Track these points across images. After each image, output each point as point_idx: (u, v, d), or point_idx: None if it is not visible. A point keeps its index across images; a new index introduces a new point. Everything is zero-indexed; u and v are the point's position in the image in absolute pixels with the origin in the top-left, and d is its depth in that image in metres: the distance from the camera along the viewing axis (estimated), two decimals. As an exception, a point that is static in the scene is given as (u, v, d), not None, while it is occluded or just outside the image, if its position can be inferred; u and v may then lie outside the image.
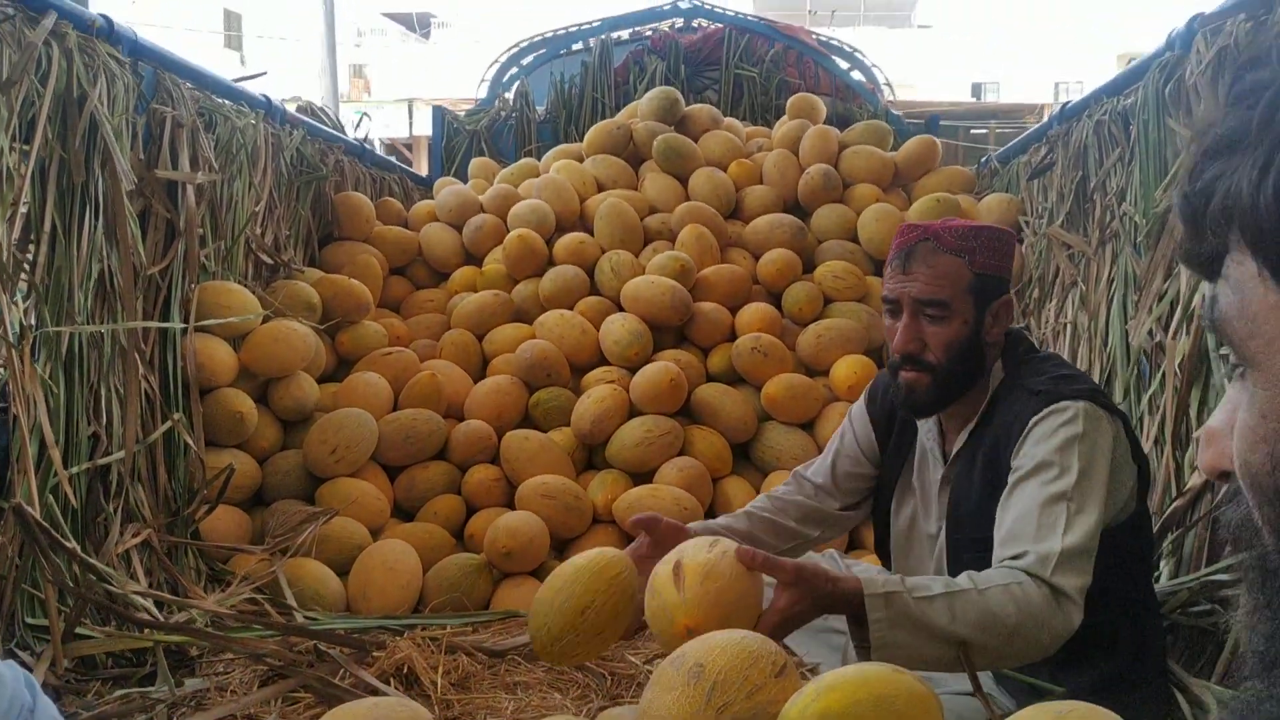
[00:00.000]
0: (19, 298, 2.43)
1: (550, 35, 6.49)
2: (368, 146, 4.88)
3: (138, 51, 2.93)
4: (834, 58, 6.23)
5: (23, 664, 2.12)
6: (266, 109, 3.74)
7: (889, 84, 6.62)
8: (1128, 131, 3.13)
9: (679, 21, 6.34)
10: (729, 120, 5.04)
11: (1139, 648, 1.79)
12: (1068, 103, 3.93)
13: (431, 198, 4.77)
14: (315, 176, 4.06)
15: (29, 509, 2.20)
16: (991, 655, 1.52)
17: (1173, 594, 2.23)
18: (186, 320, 3.00)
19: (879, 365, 3.50)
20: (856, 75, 6.27)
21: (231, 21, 26.02)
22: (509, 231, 4.16)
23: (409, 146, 19.28)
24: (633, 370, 3.58)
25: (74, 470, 2.48)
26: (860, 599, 1.45)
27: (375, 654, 2.33)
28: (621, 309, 3.82)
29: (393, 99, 22.46)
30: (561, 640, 1.47)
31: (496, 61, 6.47)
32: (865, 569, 2.25)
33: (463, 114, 6.08)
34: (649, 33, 6.26)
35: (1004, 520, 1.66)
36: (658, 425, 3.37)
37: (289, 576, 2.77)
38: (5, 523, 2.25)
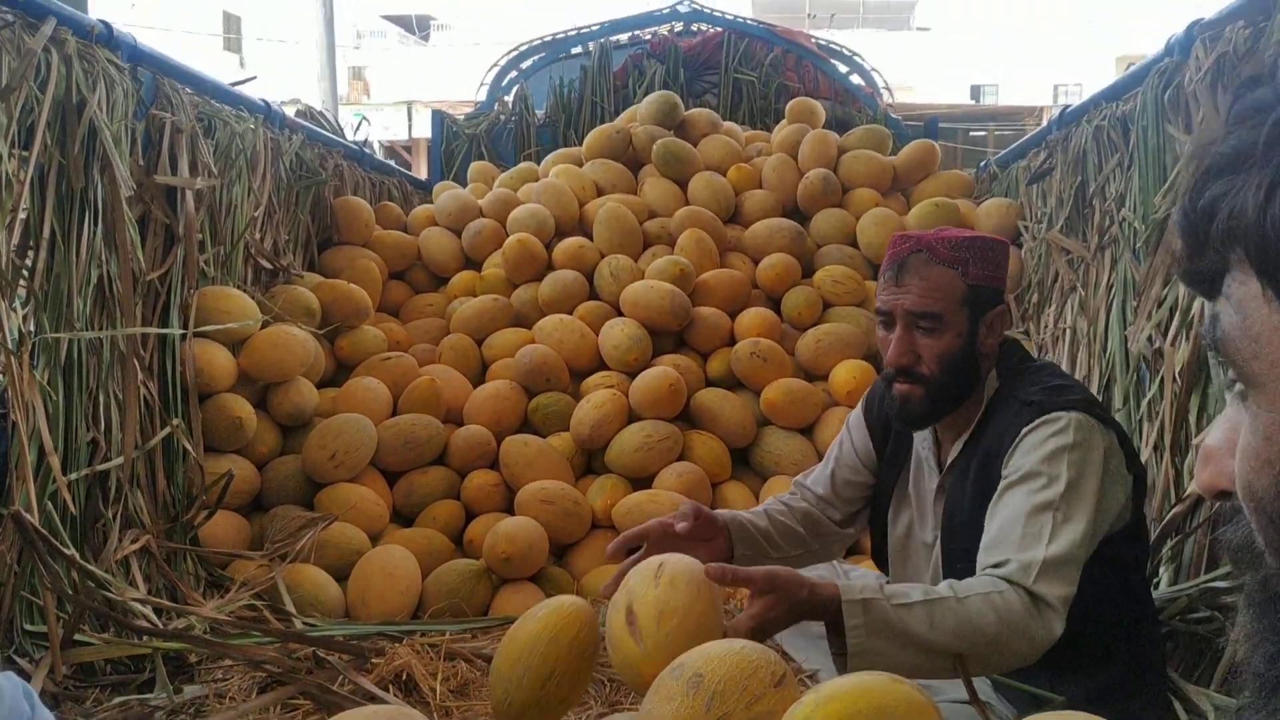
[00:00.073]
0: (18, 304, 2.43)
1: (549, 39, 6.49)
2: (367, 150, 4.88)
3: (137, 57, 2.93)
4: (833, 61, 6.23)
5: (21, 671, 2.12)
6: (265, 114, 3.74)
7: (888, 87, 6.62)
8: (1127, 137, 3.13)
9: (678, 25, 6.34)
10: (728, 124, 5.04)
11: (1137, 656, 1.79)
12: (1067, 107, 3.93)
13: (431, 202, 4.77)
14: (314, 181, 4.06)
15: (28, 516, 2.20)
16: (971, 663, 1.51)
17: (1172, 601, 2.23)
18: (186, 326, 3.00)
19: (878, 370, 3.49)
20: (855, 79, 6.27)
21: (231, 24, 26.02)
22: (508, 236, 4.16)
23: (408, 149, 19.29)
24: (632, 375, 3.58)
25: (73, 476, 2.47)
26: (838, 605, 1.45)
27: (374, 661, 2.33)
28: (621, 314, 3.82)
29: (392, 101, 22.47)
30: (525, 715, 1.44)
31: (496, 65, 6.47)
32: (863, 574, 2.26)
33: (462, 118, 6.08)
34: (648, 36, 6.26)
35: (989, 528, 1.65)
36: (657, 430, 3.37)
37: (288, 582, 2.77)
38: (4, 530, 2.25)
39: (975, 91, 27.06)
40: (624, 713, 2.07)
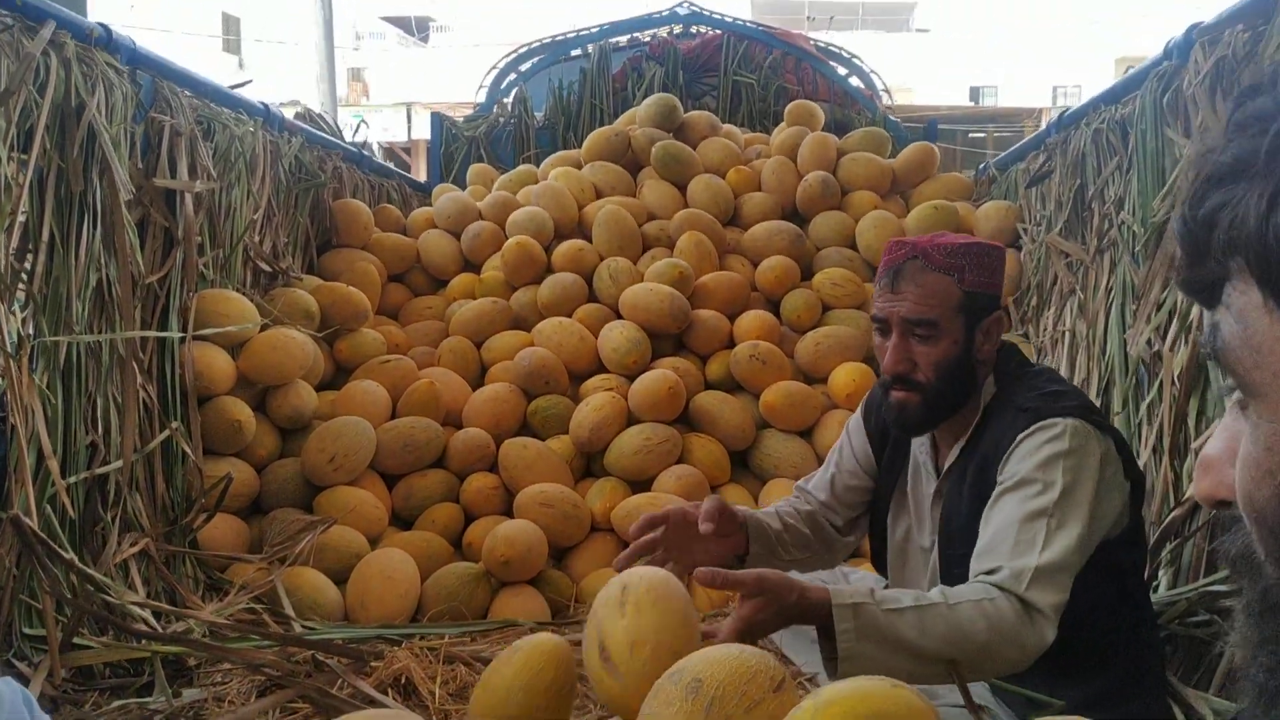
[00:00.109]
0: (17, 307, 2.42)
1: (549, 41, 6.49)
2: (366, 153, 4.88)
3: (136, 60, 2.93)
4: (832, 64, 6.23)
5: (20, 674, 2.12)
6: (265, 116, 3.74)
7: (887, 90, 6.63)
8: (1126, 140, 3.13)
9: (677, 28, 6.34)
10: (727, 127, 5.05)
11: (1136, 660, 1.79)
12: (1066, 109, 3.93)
13: (430, 204, 4.77)
14: (313, 184, 4.06)
15: (26, 520, 2.20)
16: (962, 669, 1.51)
17: (1171, 604, 2.23)
18: (185, 329, 3.00)
19: (877, 373, 3.49)
20: (854, 81, 6.27)
21: (230, 25, 26.02)
22: (507, 238, 4.16)
23: (407, 150, 19.29)
24: (631, 378, 3.58)
25: (72, 480, 2.47)
26: (828, 609, 1.46)
27: (373, 664, 2.33)
28: (620, 316, 3.82)
29: (391, 102, 22.47)
30: None
31: (495, 67, 6.47)
32: (863, 576, 2.27)
33: (461, 120, 6.09)
34: (647, 39, 6.26)
35: (983, 534, 1.65)
36: (656, 433, 3.37)
37: (287, 585, 2.77)
38: (3, 533, 2.25)
39: (974, 93, 27.08)
40: None
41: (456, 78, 18.51)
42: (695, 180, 4.45)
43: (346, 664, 2.30)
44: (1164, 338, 2.65)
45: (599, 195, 4.50)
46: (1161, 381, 2.60)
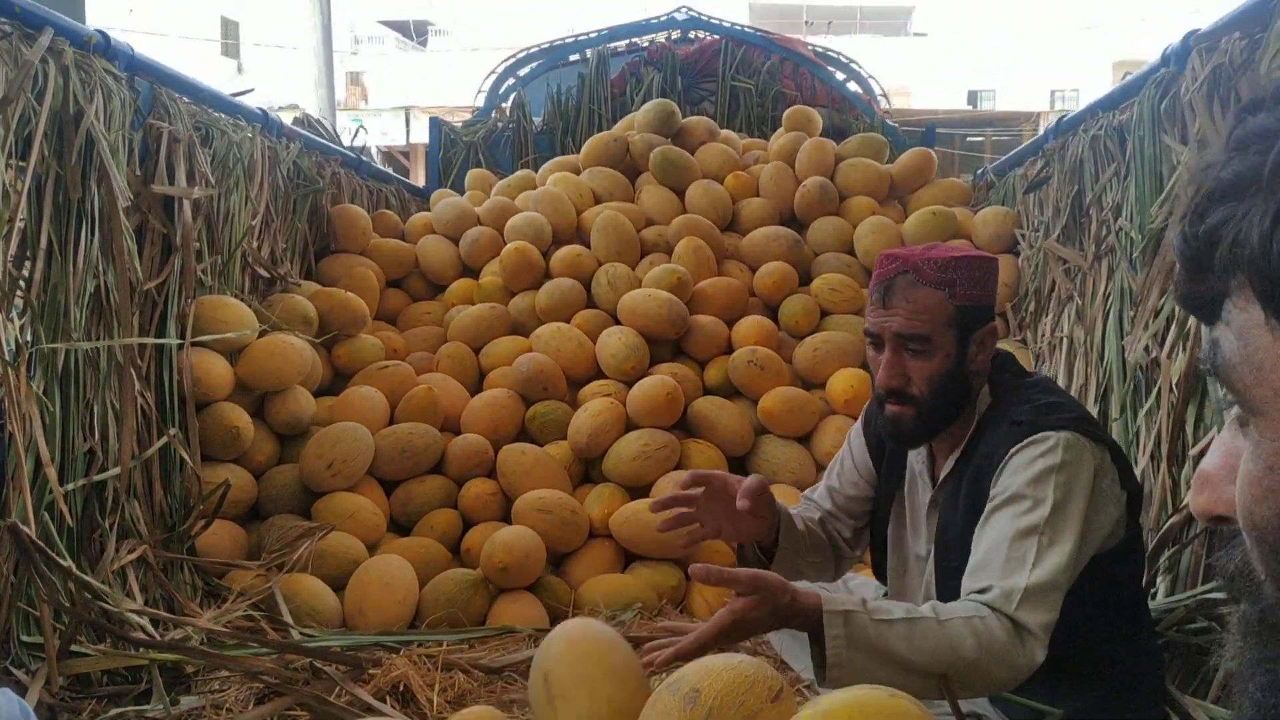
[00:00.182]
0: (14, 315, 2.42)
1: (547, 46, 6.50)
2: (364, 158, 4.89)
3: (134, 66, 2.93)
4: (830, 69, 6.24)
5: (18, 682, 2.12)
6: (263, 122, 3.74)
7: (885, 94, 6.64)
8: (1123, 147, 3.14)
9: (675, 33, 6.35)
10: (725, 132, 5.05)
11: (1134, 669, 1.79)
12: (1064, 115, 3.94)
13: (428, 210, 4.77)
14: (312, 189, 4.06)
15: (24, 528, 2.19)
16: (951, 684, 1.52)
17: (1168, 612, 2.23)
18: (183, 335, 2.99)
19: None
20: (852, 86, 6.28)
21: (228, 29, 26.04)
22: (506, 244, 4.16)
23: (406, 154, 19.31)
24: (629, 384, 3.58)
25: (70, 487, 2.47)
26: (819, 615, 1.47)
27: (371, 671, 2.33)
28: (618, 322, 3.82)
29: (390, 106, 22.50)
30: None
31: (493, 72, 6.48)
32: (862, 583, 2.27)
33: (459, 125, 6.09)
34: (645, 44, 6.27)
35: (975, 552, 1.65)
36: (655, 439, 3.37)
37: (285, 592, 2.77)
38: (1, 541, 2.25)
39: (972, 97, 27.15)
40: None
41: (455, 81, 18.55)
42: (693, 186, 4.46)
43: (344, 671, 2.30)
44: (1162, 345, 2.65)
45: (597, 201, 4.50)
46: (1159, 388, 2.61)
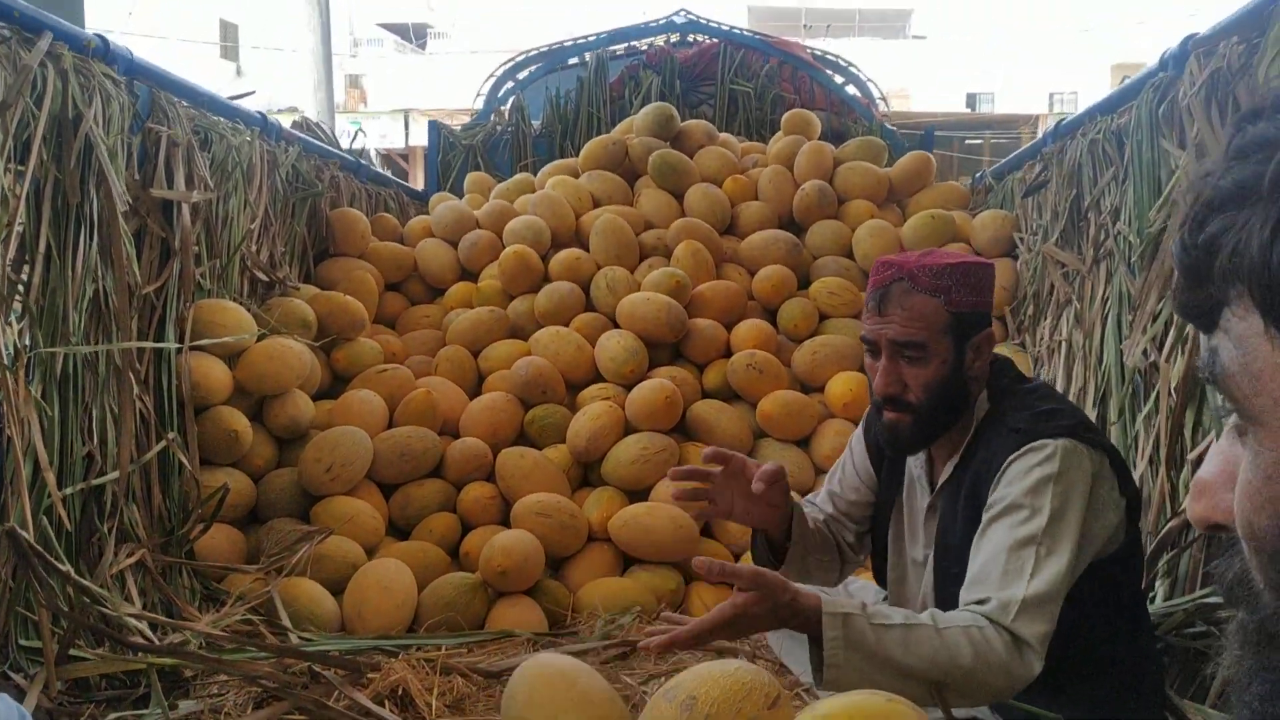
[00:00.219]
0: (13, 319, 2.42)
1: (546, 49, 6.51)
2: (363, 161, 4.89)
3: (133, 70, 2.93)
4: (829, 72, 6.25)
5: (16, 687, 2.12)
6: (262, 126, 3.75)
7: (883, 98, 6.64)
8: (1121, 150, 3.14)
9: (674, 36, 6.36)
10: (724, 136, 5.06)
11: (1134, 674, 1.79)
12: (1063, 118, 3.94)
13: (427, 213, 4.78)
14: (311, 193, 4.06)
15: (22, 533, 2.19)
16: (946, 693, 1.53)
17: (1167, 616, 2.23)
18: (181, 339, 2.99)
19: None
20: (851, 89, 6.28)
21: (227, 32, 26.02)
22: (505, 247, 4.16)
23: (405, 157, 19.31)
24: (628, 387, 3.58)
25: (68, 491, 2.47)
26: (818, 615, 1.48)
27: (370, 676, 2.33)
28: (617, 325, 3.82)
29: (389, 109, 22.51)
30: None
31: (492, 75, 6.49)
32: (862, 586, 2.28)
33: (459, 128, 6.10)
34: (644, 47, 6.28)
35: (973, 562, 1.66)
36: (654, 442, 3.37)
37: (284, 596, 2.77)
38: (-1, 545, 2.25)
39: (971, 99, 27.16)
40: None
41: (454, 84, 18.55)
42: (692, 189, 4.46)
43: (343, 675, 2.29)
44: (1160, 348, 2.65)
45: (596, 204, 4.51)
46: (1158, 392, 2.61)
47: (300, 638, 2.65)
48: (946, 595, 1.70)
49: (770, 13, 26.56)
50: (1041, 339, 3.61)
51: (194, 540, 2.88)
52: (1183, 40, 2.76)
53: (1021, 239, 4.00)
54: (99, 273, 2.64)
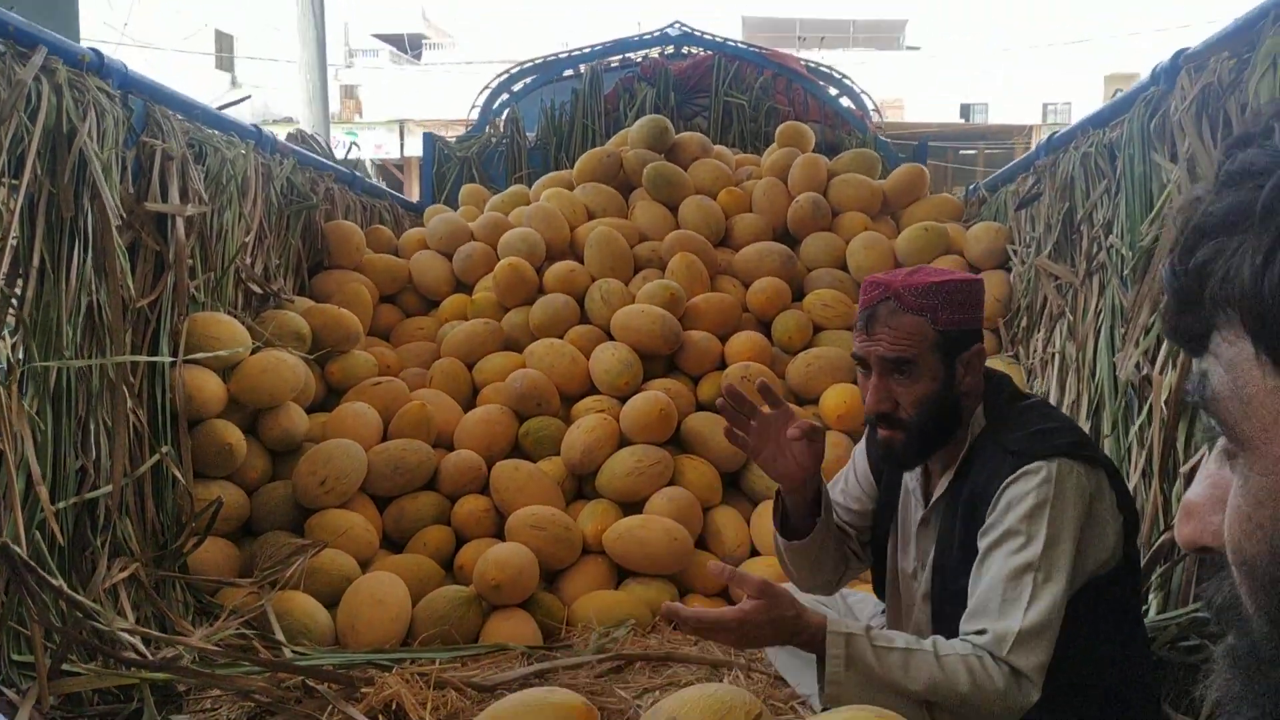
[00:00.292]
0: (6, 333, 2.42)
1: (541, 61, 6.52)
2: (358, 173, 4.89)
3: (128, 84, 2.93)
4: (822, 84, 6.26)
5: (8, 702, 2.11)
6: (256, 139, 3.75)
7: (877, 109, 6.66)
8: (1114, 164, 3.15)
9: (669, 48, 6.38)
10: (718, 148, 5.07)
11: (1129, 689, 1.80)
12: (1056, 130, 3.96)
13: (422, 225, 4.78)
14: (305, 205, 4.06)
15: (15, 548, 2.19)
16: (943, 716, 1.59)
17: (1161, 629, 2.23)
18: (175, 353, 2.99)
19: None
20: (845, 101, 6.30)
21: (223, 43, 26.04)
22: (499, 259, 4.17)
23: (400, 167, 19.32)
24: (623, 399, 3.58)
25: (61, 505, 2.46)
26: (823, 634, 1.54)
27: (364, 690, 2.32)
28: (612, 338, 3.82)
29: (384, 120, 22.53)
30: None
31: (487, 87, 6.50)
32: (862, 599, 2.29)
33: (453, 140, 6.11)
34: (639, 59, 6.30)
35: (972, 592, 1.69)
36: (648, 455, 3.37)
37: (278, 609, 2.76)
38: (-9, 560, 2.24)
39: (965, 110, 27.25)
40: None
41: (450, 95, 18.58)
42: (686, 201, 4.47)
43: (337, 690, 2.29)
44: (1153, 361, 2.66)
45: (590, 216, 4.51)
46: (1151, 405, 2.61)
47: (294, 652, 2.64)
48: (944, 616, 1.72)
49: (765, 24, 26.65)
50: (1035, 351, 3.62)
51: (187, 554, 2.87)
52: (1174, 55, 2.77)
53: (1014, 251, 4.01)
54: (93, 286, 2.64)
